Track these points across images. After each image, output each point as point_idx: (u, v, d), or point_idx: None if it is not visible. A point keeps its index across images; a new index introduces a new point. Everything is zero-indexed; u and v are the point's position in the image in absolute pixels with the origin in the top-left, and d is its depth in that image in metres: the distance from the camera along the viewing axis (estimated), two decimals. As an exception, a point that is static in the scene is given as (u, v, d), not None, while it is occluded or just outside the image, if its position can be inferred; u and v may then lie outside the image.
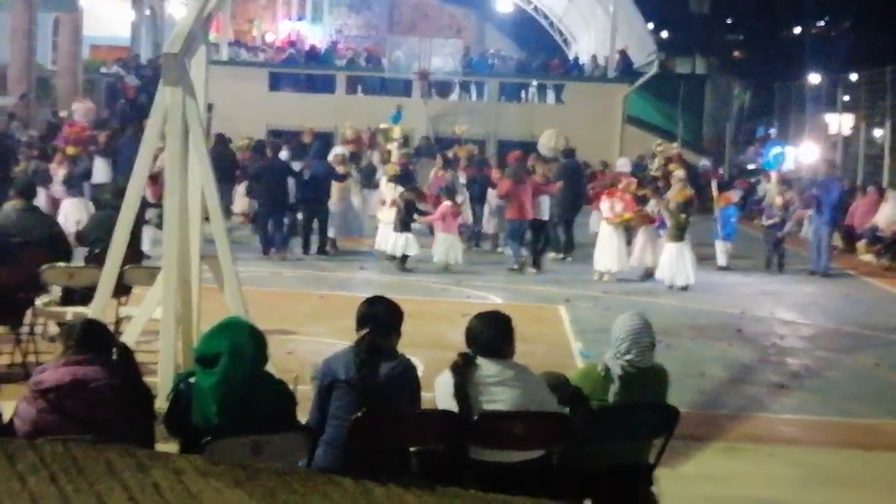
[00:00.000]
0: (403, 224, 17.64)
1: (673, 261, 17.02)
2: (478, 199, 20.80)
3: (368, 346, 5.86)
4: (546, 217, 18.83)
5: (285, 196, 18.62)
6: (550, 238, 19.36)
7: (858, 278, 19.71)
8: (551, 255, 19.74)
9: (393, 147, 22.79)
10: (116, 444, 4.85)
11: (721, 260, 19.39)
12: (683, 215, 17.15)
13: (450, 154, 23.31)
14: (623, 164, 23.48)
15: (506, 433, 5.75)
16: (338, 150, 20.09)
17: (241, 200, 21.77)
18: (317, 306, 14.03)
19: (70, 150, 20.11)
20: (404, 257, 17.68)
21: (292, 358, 10.22)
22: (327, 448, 5.69)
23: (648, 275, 17.70)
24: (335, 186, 18.97)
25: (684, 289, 16.87)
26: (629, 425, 6.28)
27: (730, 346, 13.02)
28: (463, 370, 5.75)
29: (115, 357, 5.44)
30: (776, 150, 20.95)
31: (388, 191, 18.78)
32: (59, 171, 19.67)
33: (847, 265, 20.99)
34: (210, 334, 5.60)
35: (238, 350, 5.35)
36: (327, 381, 5.81)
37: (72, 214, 17.68)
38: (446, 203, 17.87)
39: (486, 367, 5.79)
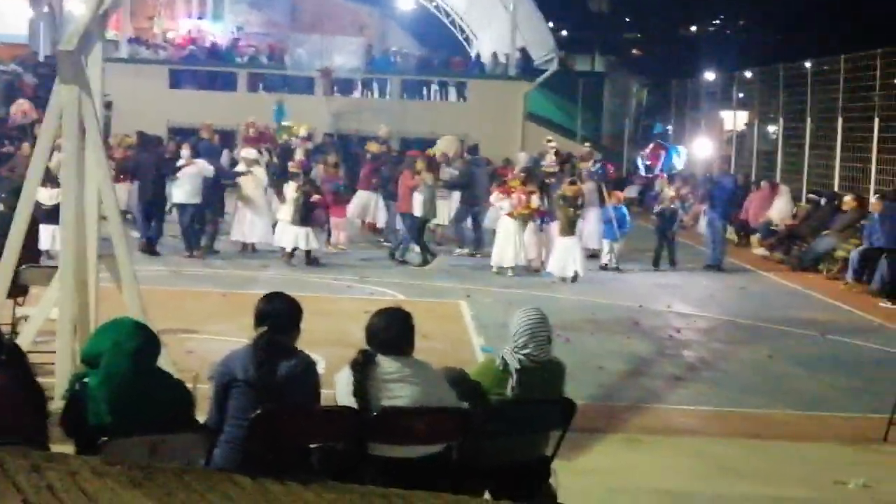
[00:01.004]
0: (303, 218, 17.65)
1: (563, 254, 17.53)
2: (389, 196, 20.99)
3: (266, 343, 5.81)
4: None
5: (162, 193, 18.54)
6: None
7: (753, 272, 20.14)
8: (459, 250, 19.98)
9: (298, 144, 22.76)
10: (10, 446, 4.82)
11: (604, 258, 19.15)
12: (572, 209, 17.68)
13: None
14: (523, 159, 23.72)
15: (405, 429, 5.78)
16: (247, 154, 19.73)
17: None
18: (218, 304, 13.93)
19: None
20: (308, 252, 17.70)
21: (193, 357, 10.17)
22: (226, 448, 5.65)
23: (535, 269, 18.07)
24: (243, 187, 18.91)
25: (574, 279, 17.35)
26: (527, 419, 6.34)
27: (628, 339, 13.25)
28: (363, 367, 5.75)
29: (3, 357, 5.34)
30: (673, 159, 21.31)
31: (289, 188, 18.74)
32: None
33: (742, 259, 21.44)
34: (94, 334, 5.58)
35: (119, 347, 5.30)
36: (225, 380, 5.75)
37: None
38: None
39: (386, 364, 5.81)
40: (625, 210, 19.53)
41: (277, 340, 5.84)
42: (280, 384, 5.73)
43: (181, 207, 18.37)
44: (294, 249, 17.88)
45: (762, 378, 11.68)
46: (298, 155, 21.33)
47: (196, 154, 18.98)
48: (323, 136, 30.89)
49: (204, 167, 18.44)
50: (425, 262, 18.38)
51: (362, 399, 5.70)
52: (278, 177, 20.86)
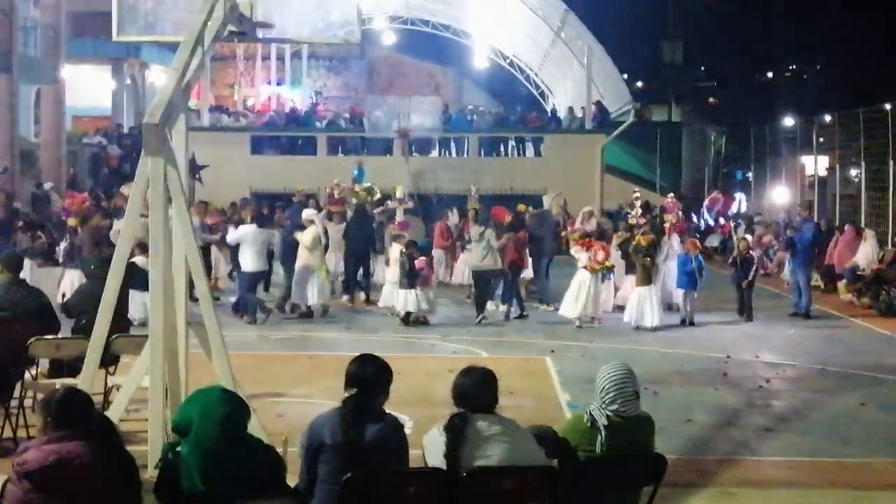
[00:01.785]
0: (410, 281, 17.77)
1: (640, 303, 17.79)
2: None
3: (354, 407, 5.81)
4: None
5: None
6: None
7: (841, 318, 19.81)
8: (543, 306, 19.93)
9: (396, 206, 23.06)
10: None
11: (682, 312, 18.71)
12: (648, 258, 17.89)
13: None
14: (546, 202, 23.88)
15: (496, 488, 5.76)
16: (307, 215, 19.69)
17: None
18: (306, 368, 14.04)
19: (72, 221, 19.98)
20: (408, 313, 17.86)
21: (282, 421, 10.25)
22: (319, 511, 5.68)
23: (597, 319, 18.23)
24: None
25: (653, 330, 17.48)
26: (617, 475, 6.28)
27: (716, 390, 13.07)
28: (458, 428, 5.77)
29: (94, 428, 5.39)
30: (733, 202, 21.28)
31: (393, 250, 18.87)
32: (61, 244, 19.71)
33: (829, 305, 21.10)
34: (184, 403, 5.64)
35: (207, 415, 5.35)
36: (314, 444, 5.77)
37: (75, 286, 17.44)
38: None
39: (478, 424, 5.82)
40: (701, 259, 19.27)
41: (366, 404, 5.83)
42: (368, 448, 5.71)
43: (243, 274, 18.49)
44: (408, 313, 17.92)
45: (856, 426, 11.43)
46: (399, 216, 21.54)
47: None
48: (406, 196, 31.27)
49: (257, 233, 18.42)
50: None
51: (454, 460, 5.70)
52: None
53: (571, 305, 18.03)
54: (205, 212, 21.36)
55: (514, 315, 18.78)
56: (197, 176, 26.66)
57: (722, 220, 21.70)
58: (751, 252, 19.80)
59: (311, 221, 19.12)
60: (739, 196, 21.97)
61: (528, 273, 20.53)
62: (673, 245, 19.36)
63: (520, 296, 19.20)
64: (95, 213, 21.40)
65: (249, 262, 18.23)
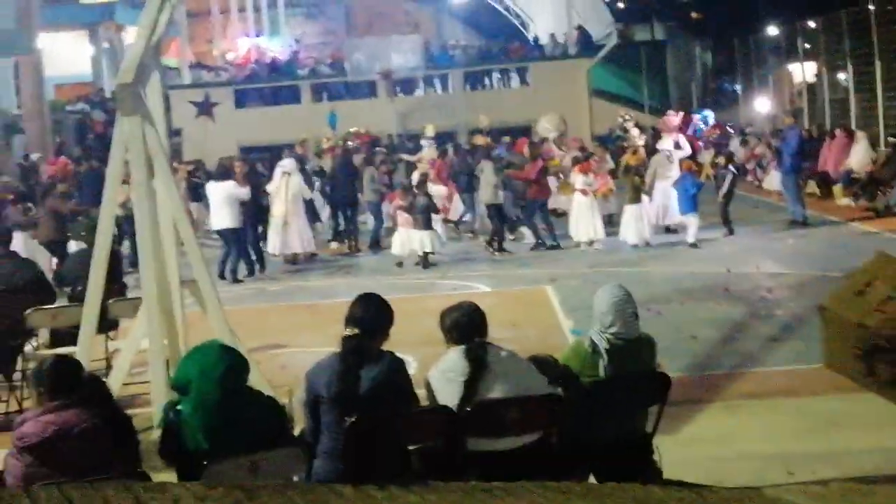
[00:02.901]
0: (427, 222, 17.63)
1: (633, 221, 18.07)
2: (466, 189, 21.02)
3: (352, 349, 5.73)
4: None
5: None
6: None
7: (839, 222, 19.79)
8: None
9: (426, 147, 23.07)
10: (109, 480, 4.90)
11: (690, 236, 18.10)
12: (638, 177, 18.21)
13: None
14: (544, 129, 23.79)
15: (501, 420, 5.76)
16: (281, 165, 19.35)
17: None
18: (306, 316, 14.02)
19: (61, 187, 19.70)
20: (426, 254, 17.68)
21: (286, 371, 10.23)
22: (325, 458, 5.65)
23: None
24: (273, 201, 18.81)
25: (646, 247, 17.94)
26: (622, 397, 6.29)
27: (719, 305, 13.07)
28: (479, 356, 5.74)
29: (86, 394, 5.37)
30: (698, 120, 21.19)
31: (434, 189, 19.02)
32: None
33: (827, 210, 21.06)
34: (182, 363, 5.63)
35: (206, 372, 5.34)
36: (311, 396, 5.73)
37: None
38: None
39: (494, 353, 5.83)
40: (690, 182, 18.74)
41: (363, 346, 5.76)
42: (366, 394, 5.65)
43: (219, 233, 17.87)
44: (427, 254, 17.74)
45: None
46: (430, 154, 21.46)
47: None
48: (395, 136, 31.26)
49: (231, 190, 17.54)
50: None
51: (472, 392, 5.67)
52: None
53: (573, 230, 18.25)
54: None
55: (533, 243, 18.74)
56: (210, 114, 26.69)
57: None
58: (727, 167, 19.50)
59: (287, 173, 18.88)
60: (698, 116, 21.96)
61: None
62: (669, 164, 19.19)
63: (534, 225, 18.91)
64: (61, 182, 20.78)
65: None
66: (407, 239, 17.63)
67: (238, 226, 17.39)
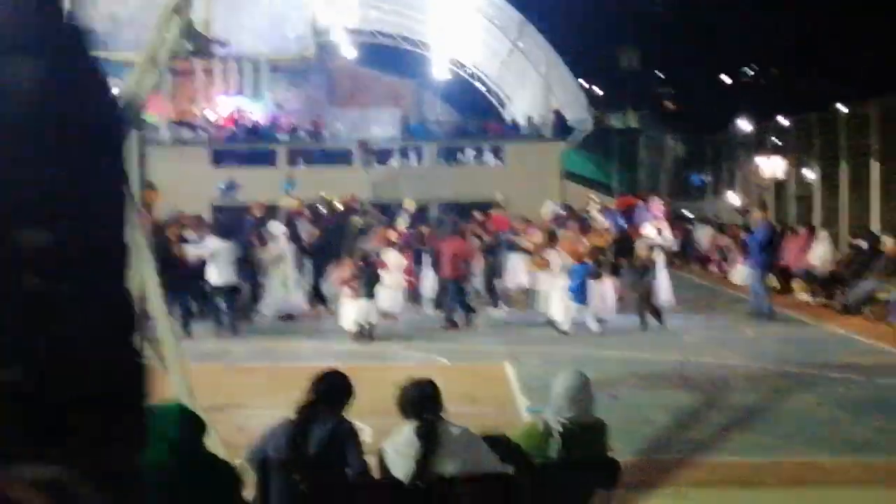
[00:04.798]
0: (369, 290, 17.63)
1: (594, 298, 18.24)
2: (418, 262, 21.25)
3: (305, 414, 5.82)
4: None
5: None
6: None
7: (796, 318, 20.04)
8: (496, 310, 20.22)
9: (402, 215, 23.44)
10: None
11: (563, 324, 17.94)
12: (602, 257, 18.65)
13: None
14: (551, 208, 24.02)
15: (452, 497, 5.83)
16: (270, 228, 20.12)
17: None
18: (267, 379, 14.03)
19: None
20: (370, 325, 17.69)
21: (243, 433, 10.24)
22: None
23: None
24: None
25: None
26: (572, 480, 6.37)
27: (674, 392, 13.21)
28: (432, 433, 5.80)
29: None
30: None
31: (390, 257, 19.17)
32: None
33: (785, 305, 21.31)
34: None
35: (161, 437, 5.32)
36: (258, 458, 5.79)
37: None
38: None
39: (448, 430, 5.90)
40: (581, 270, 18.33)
41: (317, 411, 5.85)
42: (315, 455, 5.70)
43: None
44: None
45: (811, 426, 11.57)
46: (401, 226, 21.79)
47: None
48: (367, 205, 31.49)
49: (221, 247, 18.10)
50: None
51: (425, 467, 5.72)
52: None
53: (561, 312, 18.13)
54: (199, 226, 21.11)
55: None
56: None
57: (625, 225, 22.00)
58: (650, 259, 19.20)
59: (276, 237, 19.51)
60: (641, 202, 22.42)
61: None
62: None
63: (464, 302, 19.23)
64: None
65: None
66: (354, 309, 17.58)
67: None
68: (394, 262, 18.93)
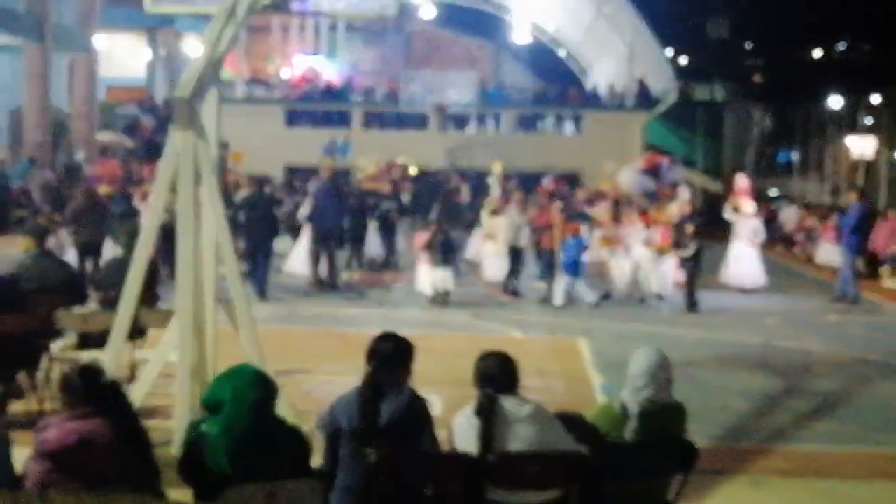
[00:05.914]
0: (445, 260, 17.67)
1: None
2: None
3: (371, 385, 5.75)
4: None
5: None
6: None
7: (882, 304, 19.50)
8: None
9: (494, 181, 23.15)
10: (124, 493, 4.86)
11: (556, 299, 17.62)
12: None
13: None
14: (626, 175, 23.17)
15: (523, 473, 5.69)
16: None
17: None
18: (336, 345, 13.93)
19: (104, 188, 19.66)
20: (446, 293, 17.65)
21: (310, 398, 10.16)
22: (342, 494, 5.64)
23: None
24: None
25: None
26: (647, 463, 6.19)
27: (753, 376, 12.86)
28: (489, 411, 5.67)
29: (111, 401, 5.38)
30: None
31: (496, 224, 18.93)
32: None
33: (871, 291, 20.75)
34: (215, 382, 5.58)
35: (240, 397, 5.29)
36: (331, 429, 5.74)
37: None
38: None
39: (507, 406, 5.73)
40: (575, 245, 17.80)
41: (384, 380, 5.76)
42: (386, 428, 5.65)
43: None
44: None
45: (894, 415, 11.22)
46: (496, 191, 21.66)
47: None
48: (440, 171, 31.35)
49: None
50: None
51: (486, 443, 5.61)
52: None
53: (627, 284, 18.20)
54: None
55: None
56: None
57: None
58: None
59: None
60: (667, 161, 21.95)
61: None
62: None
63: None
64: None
65: None
66: (429, 276, 17.62)
67: None
68: (500, 230, 18.65)
